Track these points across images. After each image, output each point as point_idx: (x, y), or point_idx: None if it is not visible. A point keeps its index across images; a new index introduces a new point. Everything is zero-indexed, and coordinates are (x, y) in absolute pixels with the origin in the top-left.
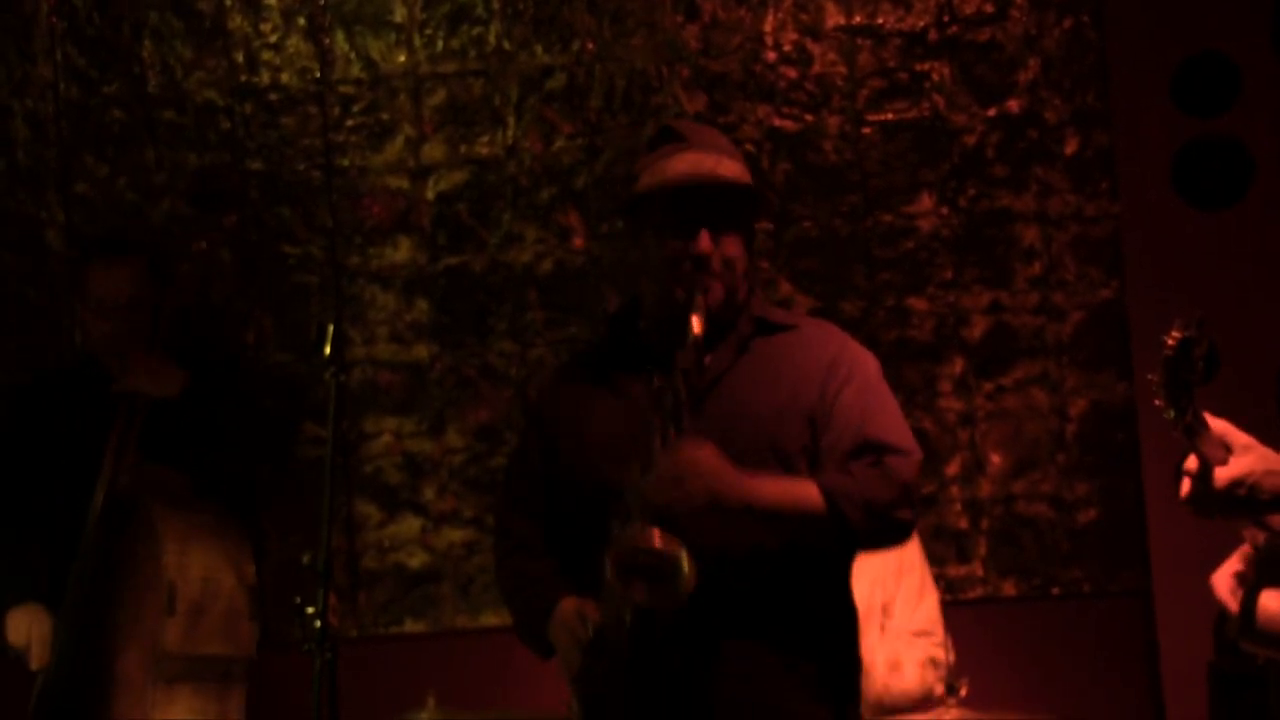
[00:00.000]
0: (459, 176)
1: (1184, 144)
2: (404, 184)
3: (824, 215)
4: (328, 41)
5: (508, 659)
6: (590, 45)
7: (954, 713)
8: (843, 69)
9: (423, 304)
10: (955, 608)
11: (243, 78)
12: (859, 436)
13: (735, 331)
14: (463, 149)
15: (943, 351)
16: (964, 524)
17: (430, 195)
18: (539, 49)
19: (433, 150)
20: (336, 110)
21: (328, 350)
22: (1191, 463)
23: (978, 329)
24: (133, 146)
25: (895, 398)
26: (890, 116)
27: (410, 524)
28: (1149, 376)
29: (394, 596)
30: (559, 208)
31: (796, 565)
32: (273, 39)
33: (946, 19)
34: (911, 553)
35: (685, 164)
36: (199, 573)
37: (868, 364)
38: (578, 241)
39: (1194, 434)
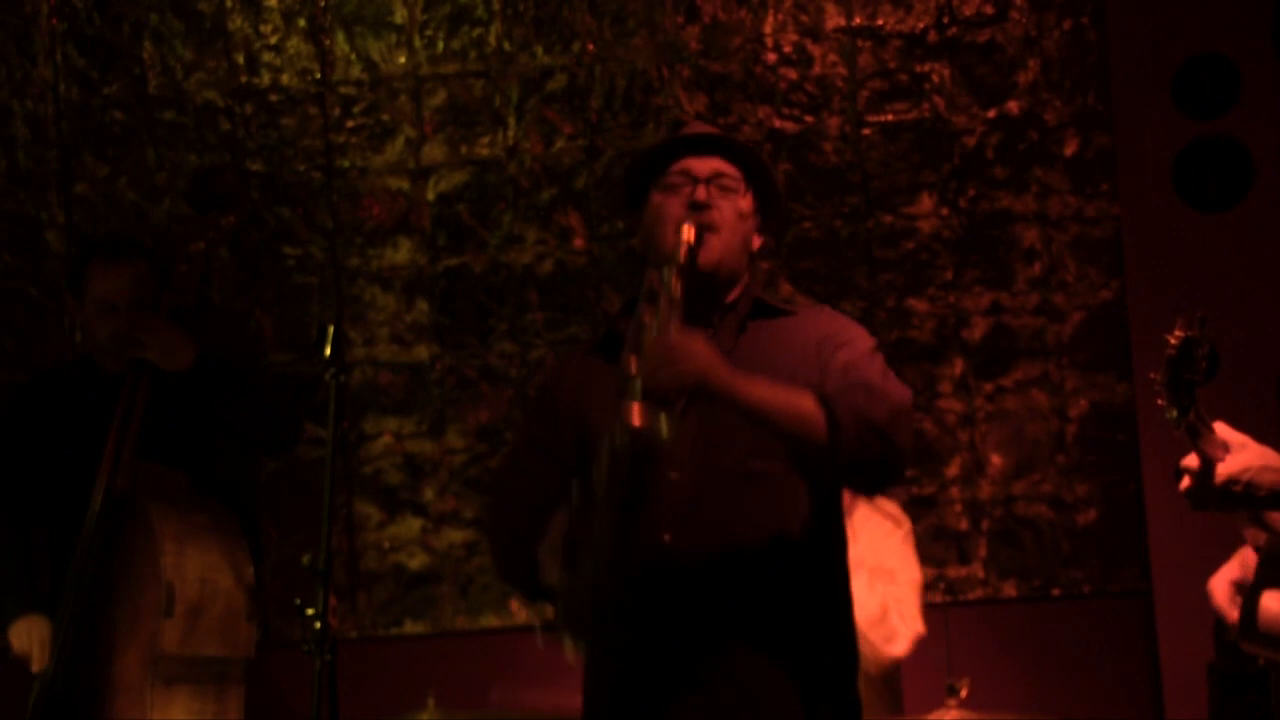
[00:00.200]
0: (459, 177)
1: (1185, 145)
2: (404, 185)
3: (825, 216)
4: (328, 42)
5: (507, 660)
6: (591, 46)
7: (954, 713)
8: (843, 70)
9: (423, 305)
10: (956, 608)
11: (243, 78)
12: (852, 378)
13: (735, 312)
14: (463, 150)
15: (943, 352)
16: (964, 525)
17: (431, 196)
18: (539, 50)
19: (433, 151)
20: (337, 111)
21: (328, 351)
22: (1191, 460)
23: (978, 330)
24: (133, 147)
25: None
26: (890, 118)
27: (410, 525)
28: (1151, 376)
29: (394, 597)
30: (559, 208)
31: (795, 566)
32: (273, 40)
33: (946, 20)
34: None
35: (694, 128)
36: (197, 573)
37: (863, 336)
38: (578, 242)
39: (1196, 433)
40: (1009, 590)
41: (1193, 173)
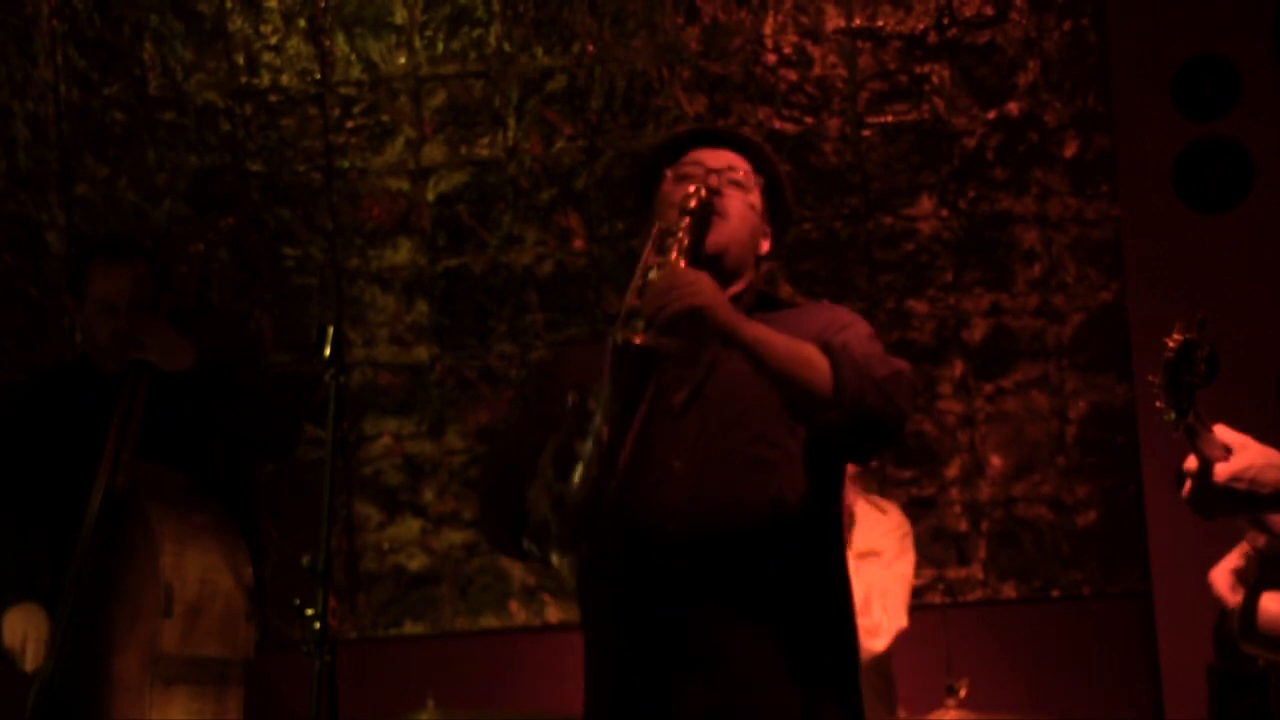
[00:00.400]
0: (459, 178)
1: (1185, 147)
2: (404, 185)
3: (825, 217)
4: (328, 43)
5: (507, 661)
6: (591, 47)
7: (953, 714)
8: (843, 71)
9: (423, 305)
10: (955, 609)
11: (243, 79)
12: (852, 349)
13: (739, 304)
14: (463, 150)
15: (943, 354)
16: (964, 526)
17: (430, 196)
18: (539, 51)
19: (433, 152)
20: (337, 112)
21: (328, 352)
22: (1192, 463)
23: (978, 331)
24: (133, 148)
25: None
26: (890, 119)
27: (410, 525)
28: (1150, 378)
29: (393, 598)
30: (559, 209)
31: (796, 550)
32: (273, 41)
33: (946, 21)
34: (893, 538)
35: (704, 123)
36: (196, 574)
37: (862, 323)
38: (578, 243)
39: (1195, 435)
40: (1008, 591)
41: (1193, 174)
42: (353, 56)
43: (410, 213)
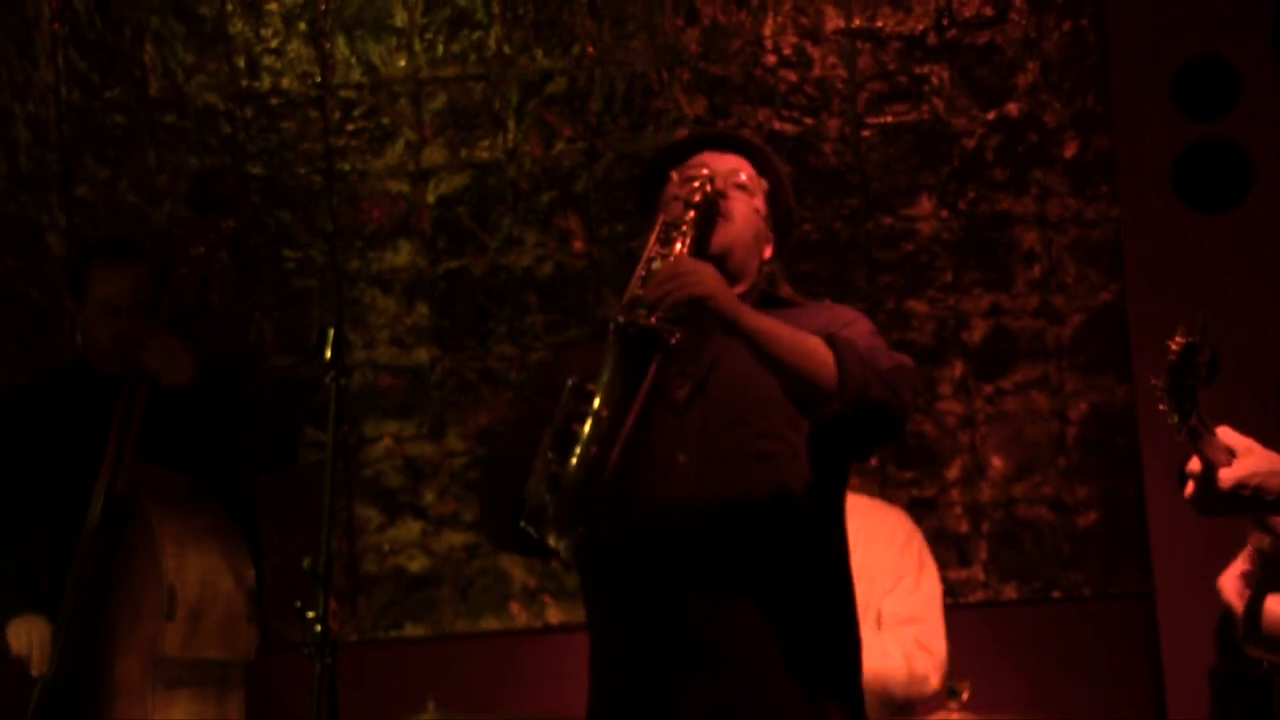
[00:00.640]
0: (459, 180)
1: (1184, 147)
2: (404, 188)
3: (824, 218)
4: (328, 46)
5: (507, 663)
6: (590, 49)
7: (956, 716)
8: (843, 72)
9: (423, 307)
10: (956, 611)
11: (244, 82)
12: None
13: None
14: (463, 153)
15: (943, 354)
16: (965, 527)
17: (430, 199)
18: (539, 53)
19: (433, 154)
20: (337, 114)
21: (328, 354)
22: (1194, 465)
23: (978, 332)
24: (134, 150)
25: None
26: (890, 119)
27: (410, 527)
28: (1153, 381)
29: (394, 600)
30: (559, 211)
31: (798, 546)
32: (274, 43)
33: (946, 22)
34: (910, 553)
35: (707, 128)
36: (198, 576)
37: (864, 320)
38: (578, 245)
39: (1198, 437)
40: (1009, 593)
41: (1192, 174)
42: (353, 59)
43: (410, 215)
